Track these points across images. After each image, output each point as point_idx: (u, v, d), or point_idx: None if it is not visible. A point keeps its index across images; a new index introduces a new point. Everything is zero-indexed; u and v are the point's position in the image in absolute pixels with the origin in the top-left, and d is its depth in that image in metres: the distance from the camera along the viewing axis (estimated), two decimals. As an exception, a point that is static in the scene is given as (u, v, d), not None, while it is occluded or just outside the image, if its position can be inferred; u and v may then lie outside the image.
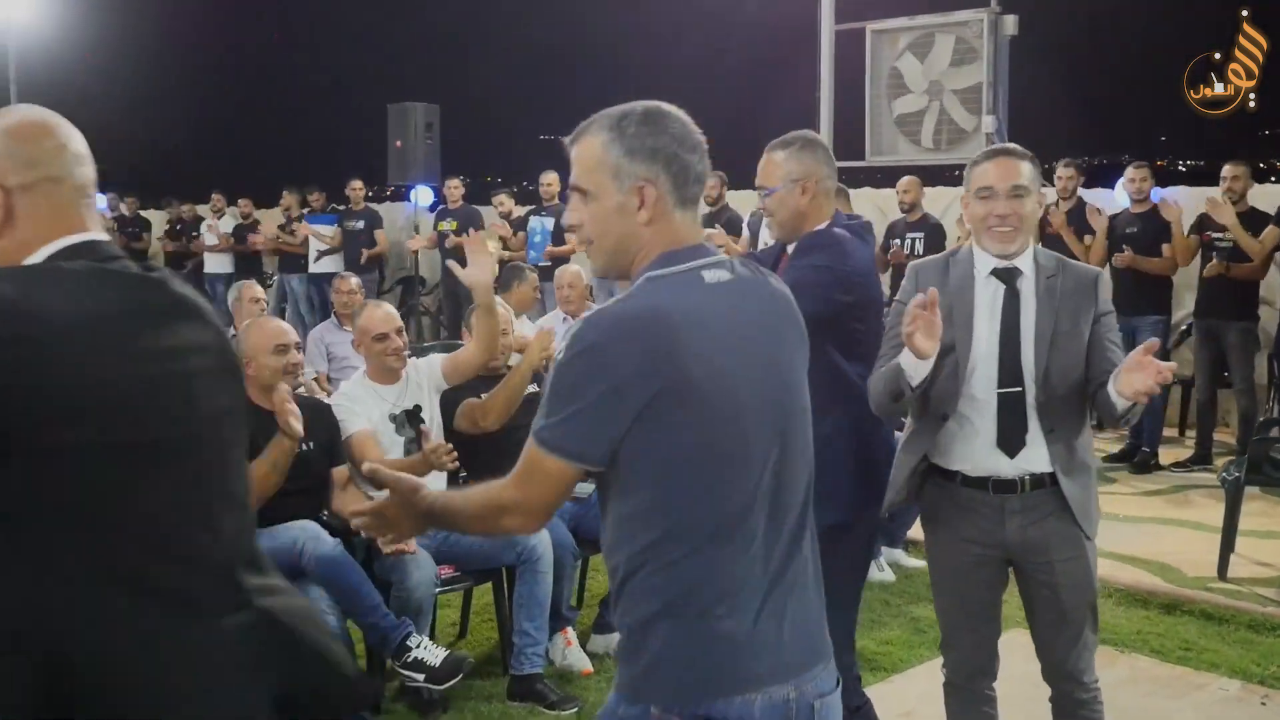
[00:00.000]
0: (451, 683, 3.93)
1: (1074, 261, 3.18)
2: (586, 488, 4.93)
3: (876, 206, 10.01)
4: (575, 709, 4.29)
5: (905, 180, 9.07)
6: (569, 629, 4.75)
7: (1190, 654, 4.83)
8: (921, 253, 8.81)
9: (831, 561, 3.17)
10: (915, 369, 2.86)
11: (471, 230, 5.10)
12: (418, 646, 3.88)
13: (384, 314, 4.74)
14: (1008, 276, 3.06)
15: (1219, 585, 5.57)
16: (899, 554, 6.02)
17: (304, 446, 4.25)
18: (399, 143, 12.68)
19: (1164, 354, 8.17)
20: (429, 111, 12.73)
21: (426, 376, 4.73)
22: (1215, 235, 7.56)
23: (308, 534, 3.87)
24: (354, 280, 7.43)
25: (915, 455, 3.15)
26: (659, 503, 1.95)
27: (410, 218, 14.88)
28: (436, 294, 14.03)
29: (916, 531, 6.18)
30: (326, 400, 4.84)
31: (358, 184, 12.50)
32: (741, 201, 10.35)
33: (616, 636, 4.57)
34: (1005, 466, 3.05)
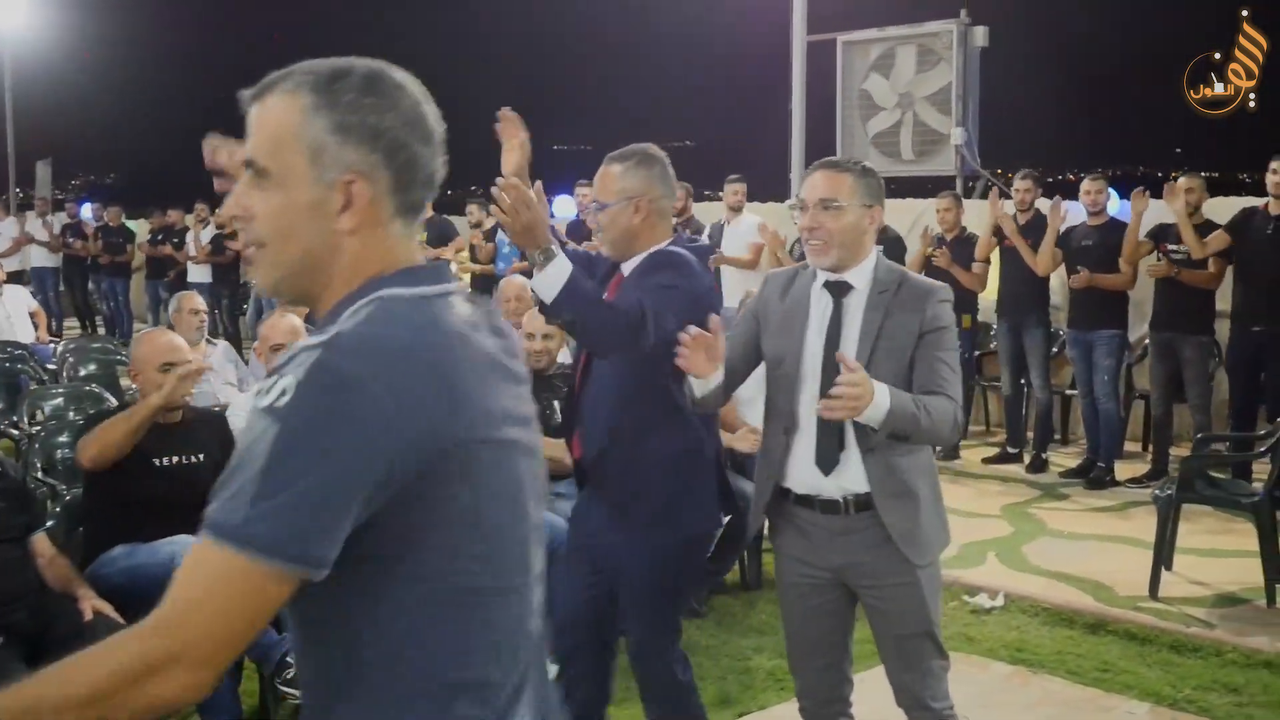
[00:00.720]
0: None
1: (919, 277, 3.12)
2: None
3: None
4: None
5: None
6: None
7: (1107, 675, 4.76)
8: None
9: (664, 577, 3.26)
10: (696, 383, 2.95)
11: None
12: (296, 664, 3.83)
13: (288, 325, 4.71)
14: (837, 290, 3.01)
15: (1149, 605, 5.49)
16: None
17: (194, 459, 4.22)
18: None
19: (1125, 369, 8.17)
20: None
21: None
22: (1171, 247, 7.49)
23: (185, 549, 3.82)
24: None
25: (768, 475, 3.11)
26: (395, 643, 1.41)
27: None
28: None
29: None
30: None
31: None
32: (709, 214, 10.29)
33: None
34: (827, 485, 2.99)
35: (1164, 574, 5.88)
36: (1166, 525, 5.67)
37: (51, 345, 9.72)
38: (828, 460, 2.97)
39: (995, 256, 8.38)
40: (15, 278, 15.99)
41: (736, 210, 9.51)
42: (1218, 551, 6.19)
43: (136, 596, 3.80)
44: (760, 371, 3.17)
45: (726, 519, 5.62)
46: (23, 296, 10.49)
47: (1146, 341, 8.24)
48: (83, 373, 7.89)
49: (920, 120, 10.62)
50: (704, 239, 9.46)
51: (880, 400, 2.73)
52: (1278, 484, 5.59)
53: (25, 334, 9.94)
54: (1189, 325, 7.45)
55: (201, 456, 4.22)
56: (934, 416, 2.82)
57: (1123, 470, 7.94)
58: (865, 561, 2.99)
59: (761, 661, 4.89)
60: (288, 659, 3.85)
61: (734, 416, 5.92)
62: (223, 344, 7.21)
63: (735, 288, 9.16)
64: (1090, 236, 7.85)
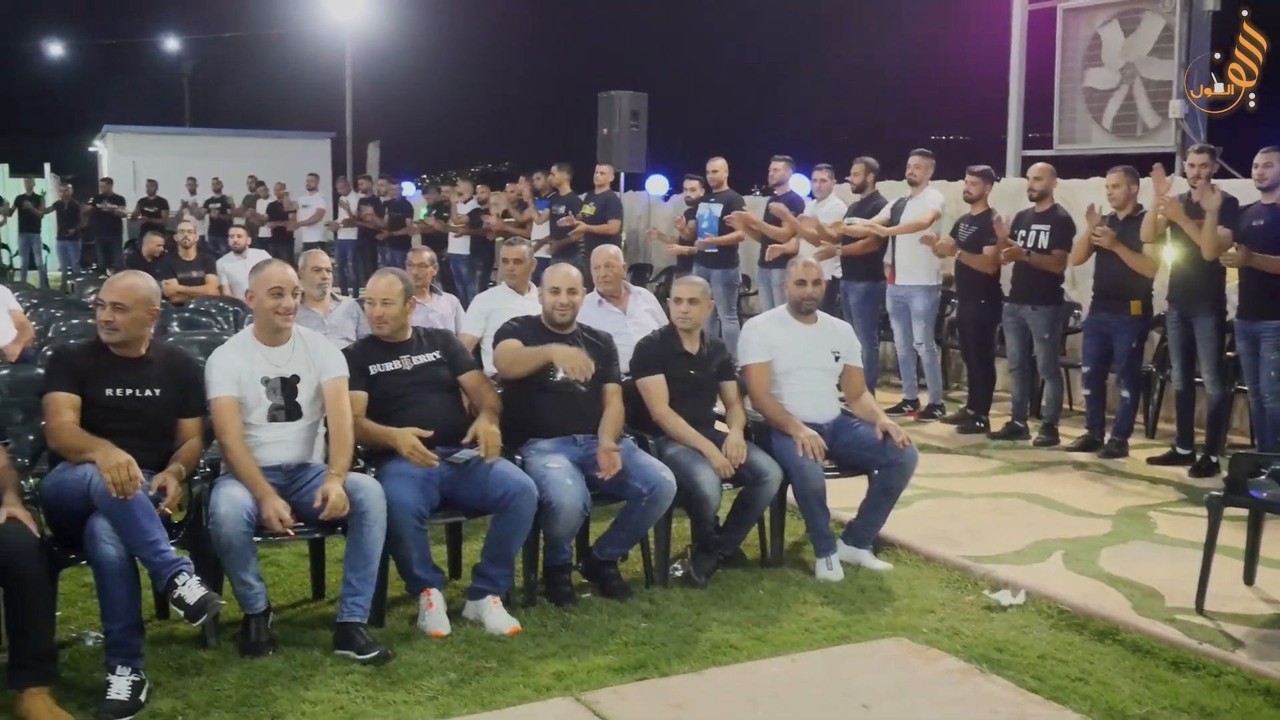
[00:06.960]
0: (202, 619, 4.12)
1: None
2: (466, 454, 5.02)
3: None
4: (376, 654, 4.40)
5: (1037, 167, 8.39)
6: (431, 590, 4.84)
7: (1076, 685, 4.31)
8: (1046, 246, 8.16)
9: None
10: None
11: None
12: (183, 585, 4.09)
13: (282, 273, 4.91)
14: None
15: (1186, 618, 4.90)
16: (864, 554, 5.69)
17: (151, 392, 4.58)
18: (605, 130, 13.04)
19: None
20: (635, 100, 13.00)
21: (323, 354, 4.96)
22: None
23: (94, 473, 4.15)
24: (426, 254, 7.70)
25: None
26: None
27: (648, 205, 15.24)
28: (661, 280, 14.30)
29: (894, 530, 5.86)
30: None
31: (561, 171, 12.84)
32: (890, 190, 9.93)
33: (486, 602, 4.65)
34: None
35: (1241, 588, 5.26)
36: (1216, 530, 5.04)
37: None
38: None
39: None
40: (321, 247, 17.55)
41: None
42: (1313, 566, 5.43)
43: (61, 507, 4.25)
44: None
45: (738, 489, 5.55)
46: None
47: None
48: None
49: (1133, 98, 9.86)
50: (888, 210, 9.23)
51: None
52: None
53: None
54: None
55: (157, 391, 4.58)
56: None
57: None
58: None
59: (713, 634, 4.78)
60: (175, 580, 4.12)
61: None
62: (347, 301, 7.61)
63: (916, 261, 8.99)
64: (1262, 215, 7.02)
